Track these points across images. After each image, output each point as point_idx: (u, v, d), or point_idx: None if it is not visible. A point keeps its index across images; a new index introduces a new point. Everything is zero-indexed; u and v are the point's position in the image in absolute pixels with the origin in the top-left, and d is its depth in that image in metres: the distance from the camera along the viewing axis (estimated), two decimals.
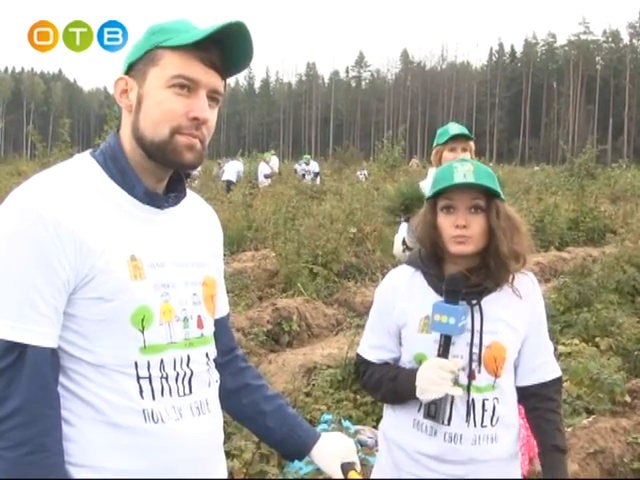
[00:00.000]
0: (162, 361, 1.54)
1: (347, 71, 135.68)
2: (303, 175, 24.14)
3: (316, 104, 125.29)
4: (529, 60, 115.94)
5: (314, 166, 24.90)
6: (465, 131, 4.04)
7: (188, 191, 1.73)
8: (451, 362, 2.17)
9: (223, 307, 1.86)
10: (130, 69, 1.58)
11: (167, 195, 1.64)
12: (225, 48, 1.55)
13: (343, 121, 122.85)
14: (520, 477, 2.43)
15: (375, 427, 4.52)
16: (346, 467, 1.83)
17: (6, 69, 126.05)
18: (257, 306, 8.13)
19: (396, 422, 2.34)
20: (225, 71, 1.59)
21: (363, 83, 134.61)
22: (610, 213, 16.20)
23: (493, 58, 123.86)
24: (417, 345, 2.26)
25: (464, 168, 2.21)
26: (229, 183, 20.43)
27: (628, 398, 5.17)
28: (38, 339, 1.44)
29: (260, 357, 6.24)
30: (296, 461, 3.91)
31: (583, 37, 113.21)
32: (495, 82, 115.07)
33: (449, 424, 2.21)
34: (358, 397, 4.90)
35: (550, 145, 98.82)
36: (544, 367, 2.34)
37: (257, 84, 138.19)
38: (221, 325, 1.80)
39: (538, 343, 2.33)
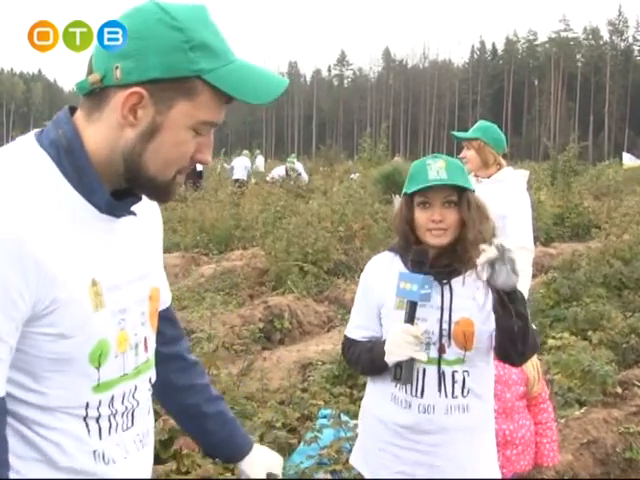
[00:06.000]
0: (112, 397, 1.41)
1: (329, 70, 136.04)
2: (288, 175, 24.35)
3: (298, 103, 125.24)
4: (510, 57, 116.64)
5: (299, 167, 25.07)
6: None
7: None
8: (414, 327, 2.32)
9: (166, 299, 1.72)
10: (150, 83, 1.29)
11: (125, 202, 1.42)
12: None
13: (326, 120, 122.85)
14: (493, 447, 2.57)
15: None
16: (271, 477, 1.89)
17: None
18: (248, 304, 8.16)
19: (376, 397, 2.54)
20: None
21: (345, 82, 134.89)
22: (594, 209, 16.34)
23: (474, 56, 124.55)
24: (394, 321, 2.40)
25: (437, 165, 2.37)
26: (237, 181, 20.14)
27: (619, 389, 5.26)
28: None
29: (254, 354, 6.26)
30: (296, 456, 3.98)
31: (563, 34, 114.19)
32: (477, 80, 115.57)
33: (422, 396, 2.39)
34: (354, 392, 4.94)
35: (532, 142, 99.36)
36: None
37: None
38: (164, 317, 1.67)
39: None
